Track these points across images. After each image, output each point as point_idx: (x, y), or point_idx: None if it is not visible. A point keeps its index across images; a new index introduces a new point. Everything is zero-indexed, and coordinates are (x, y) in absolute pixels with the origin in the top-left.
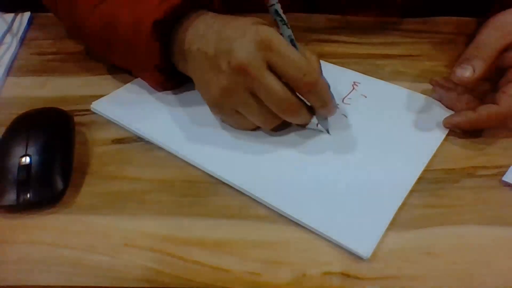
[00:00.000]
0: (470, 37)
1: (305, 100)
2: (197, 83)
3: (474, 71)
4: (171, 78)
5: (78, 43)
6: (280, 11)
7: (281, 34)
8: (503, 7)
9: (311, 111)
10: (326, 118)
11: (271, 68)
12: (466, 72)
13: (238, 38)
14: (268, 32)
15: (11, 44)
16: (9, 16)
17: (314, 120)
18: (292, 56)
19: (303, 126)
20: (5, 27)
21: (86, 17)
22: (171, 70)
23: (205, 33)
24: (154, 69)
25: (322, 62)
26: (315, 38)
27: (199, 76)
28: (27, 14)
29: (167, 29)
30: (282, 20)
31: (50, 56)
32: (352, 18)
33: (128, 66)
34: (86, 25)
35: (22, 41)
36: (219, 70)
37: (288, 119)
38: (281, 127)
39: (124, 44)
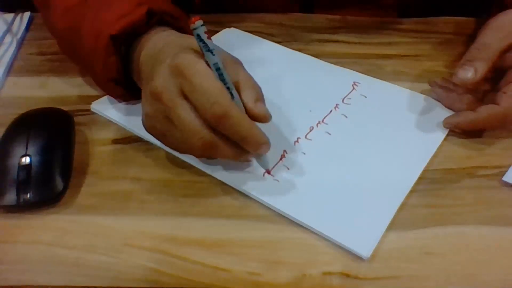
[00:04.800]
0: (470, 37)
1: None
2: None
3: (476, 72)
4: (133, 90)
5: None
6: (204, 37)
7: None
8: (502, 8)
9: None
10: (261, 156)
11: (186, 97)
12: (468, 74)
13: (160, 65)
14: (185, 59)
15: (11, 44)
16: (9, 16)
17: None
18: (203, 84)
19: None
20: (5, 27)
21: (56, 20)
22: (131, 83)
23: (152, 53)
24: (112, 82)
25: (322, 62)
26: (315, 38)
27: (142, 95)
28: (27, 14)
29: (126, 43)
30: (206, 46)
31: (50, 56)
32: (352, 18)
33: (89, 74)
34: (57, 27)
35: (22, 41)
36: (145, 96)
37: (207, 155)
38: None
39: (86, 54)
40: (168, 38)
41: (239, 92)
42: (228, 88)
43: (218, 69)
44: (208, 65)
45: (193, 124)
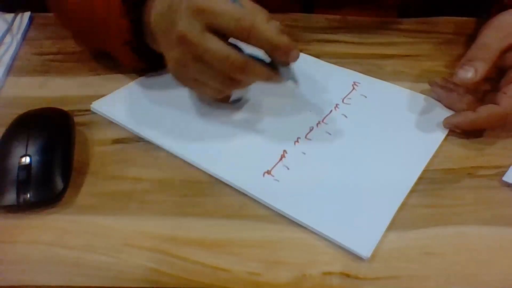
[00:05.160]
0: (470, 37)
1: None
2: (166, 61)
3: (476, 72)
4: (145, 59)
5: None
6: None
7: None
8: (502, 8)
9: (273, 66)
10: (288, 67)
11: (212, 30)
12: (468, 74)
13: (179, 10)
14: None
15: (11, 44)
16: (9, 16)
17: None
18: (224, 8)
19: (278, 82)
20: (5, 27)
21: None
22: (145, 50)
23: (161, 11)
24: (125, 46)
25: (322, 62)
26: (315, 38)
27: (164, 53)
28: (27, 14)
29: (137, 7)
30: None
31: (50, 56)
32: (352, 18)
33: (104, 45)
34: (67, 2)
35: (22, 41)
36: (170, 44)
37: (245, 78)
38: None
39: (98, 21)
40: None
41: None
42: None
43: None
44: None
45: (222, 51)
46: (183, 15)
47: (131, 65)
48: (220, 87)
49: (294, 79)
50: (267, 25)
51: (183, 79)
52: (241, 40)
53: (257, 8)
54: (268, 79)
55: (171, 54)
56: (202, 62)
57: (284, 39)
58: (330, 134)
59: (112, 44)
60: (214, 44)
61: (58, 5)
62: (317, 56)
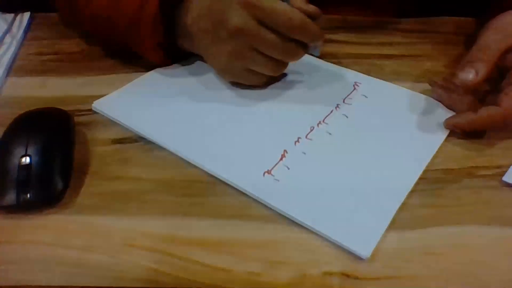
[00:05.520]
0: (470, 37)
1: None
2: (206, 58)
3: (477, 74)
4: (170, 54)
5: (78, 43)
6: None
7: None
8: (502, 9)
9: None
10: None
11: (263, 24)
12: (469, 75)
13: (227, 8)
14: None
15: (11, 44)
16: (9, 16)
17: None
18: (275, 7)
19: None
20: (5, 27)
21: (86, 3)
22: (174, 49)
23: (199, 13)
24: (157, 47)
25: (323, 62)
26: None
27: (206, 51)
28: (27, 14)
29: (170, 9)
30: None
31: (50, 56)
32: (352, 18)
33: (129, 45)
34: (89, 7)
35: (22, 41)
36: (220, 40)
37: (291, 60)
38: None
39: (128, 25)
40: None
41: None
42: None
43: None
44: None
45: (279, 40)
46: (233, 11)
47: (159, 63)
48: (270, 72)
49: (317, 53)
50: (309, 20)
51: (233, 71)
52: (292, 35)
53: (299, 1)
54: (319, 37)
55: (223, 48)
56: (256, 51)
57: (322, 33)
58: (330, 134)
59: (145, 46)
60: (270, 36)
61: (75, 11)
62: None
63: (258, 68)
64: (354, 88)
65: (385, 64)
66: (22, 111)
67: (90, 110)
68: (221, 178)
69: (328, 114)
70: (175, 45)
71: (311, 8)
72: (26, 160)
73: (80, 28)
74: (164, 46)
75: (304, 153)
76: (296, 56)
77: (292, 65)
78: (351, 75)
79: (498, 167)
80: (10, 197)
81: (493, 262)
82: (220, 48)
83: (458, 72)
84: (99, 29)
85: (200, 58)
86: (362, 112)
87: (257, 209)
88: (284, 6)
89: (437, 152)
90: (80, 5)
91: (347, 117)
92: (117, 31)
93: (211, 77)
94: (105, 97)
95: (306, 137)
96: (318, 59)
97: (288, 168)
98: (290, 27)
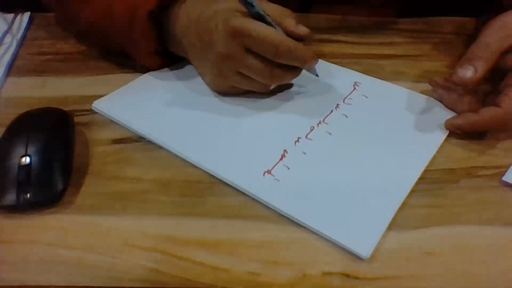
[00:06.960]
0: (470, 37)
1: None
2: (196, 69)
3: (475, 71)
4: (165, 58)
5: (78, 43)
6: None
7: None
8: (502, 9)
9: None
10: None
11: (249, 51)
12: (467, 73)
13: (214, 30)
14: (236, 22)
15: (11, 44)
16: (9, 16)
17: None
18: (261, 35)
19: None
20: (5, 27)
21: (81, 8)
22: (167, 52)
23: (188, 24)
24: (152, 54)
25: (323, 62)
26: (315, 38)
27: (194, 63)
28: (27, 14)
29: (160, 17)
30: (245, 2)
31: (50, 56)
32: (351, 18)
33: (124, 51)
34: (82, 16)
35: (22, 41)
36: (208, 59)
37: (278, 83)
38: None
39: (121, 33)
40: (197, 5)
41: (279, 24)
42: (274, 27)
43: (262, 16)
44: (252, 15)
45: (263, 66)
46: (220, 36)
47: (153, 67)
48: (257, 89)
49: (315, 73)
50: (299, 45)
51: (220, 87)
52: (280, 62)
53: (284, 16)
54: (309, 61)
55: (210, 67)
56: (243, 76)
57: (313, 56)
58: (330, 134)
59: (140, 55)
60: (255, 62)
61: (66, 15)
62: (317, 56)
63: (244, 87)
64: (354, 88)
65: (385, 64)
66: (22, 111)
67: (90, 110)
68: (221, 178)
69: (328, 114)
70: (168, 51)
71: (302, 30)
72: (26, 160)
73: (75, 37)
74: (159, 51)
75: (304, 153)
76: (282, 80)
77: None
78: (351, 75)
79: (498, 167)
80: (10, 197)
81: (493, 262)
82: (208, 66)
83: (456, 70)
84: (95, 40)
85: None
86: (362, 112)
87: (257, 209)
88: (271, 32)
89: (437, 152)
90: (74, 16)
91: (347, 117)
92: (112, 42)
93: None
94: (105, 97)
95: (306, 137)
96: (318, 59)
97: (288, 168)
98: (276, 53)
